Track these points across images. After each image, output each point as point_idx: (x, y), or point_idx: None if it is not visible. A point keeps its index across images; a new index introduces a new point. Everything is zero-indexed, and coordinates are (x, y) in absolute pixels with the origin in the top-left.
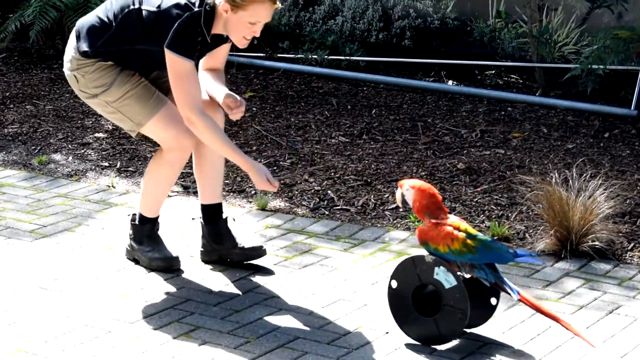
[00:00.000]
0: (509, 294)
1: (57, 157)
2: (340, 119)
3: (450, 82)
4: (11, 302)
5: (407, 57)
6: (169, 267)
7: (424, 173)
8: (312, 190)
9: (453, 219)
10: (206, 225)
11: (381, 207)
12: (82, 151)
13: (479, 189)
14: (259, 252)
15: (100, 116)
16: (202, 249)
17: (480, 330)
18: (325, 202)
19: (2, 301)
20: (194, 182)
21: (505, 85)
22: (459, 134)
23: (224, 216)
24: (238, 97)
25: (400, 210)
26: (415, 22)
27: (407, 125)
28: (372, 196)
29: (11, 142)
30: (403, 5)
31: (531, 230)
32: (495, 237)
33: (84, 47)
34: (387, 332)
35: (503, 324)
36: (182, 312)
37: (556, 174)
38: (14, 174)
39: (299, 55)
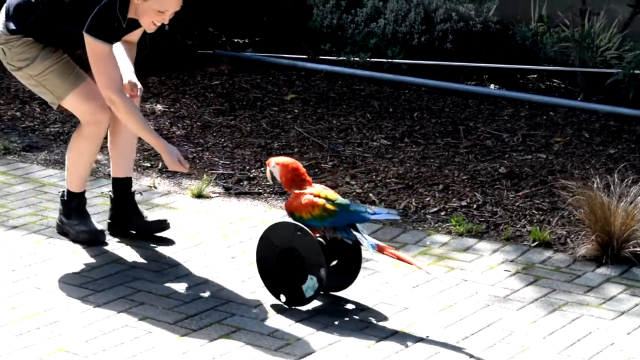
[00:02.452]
0: (371, 247)
1: (98, 156)
2: (382, 121)
3: (492, 86)
4: (52, 302)
5: (449, 60)
6: (94, 239)
7: (465, 177)
8: (354, 193)
9: (315, 188)
10: (115, 197)
11: (422, 211)
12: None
13: (520, 194)
14: (162, 224)
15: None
16: (109, 221)
17: (521, 335)
18: (367, 204)
19: (43, 301)
20: (236, 182)
21: (547, 90)
22: (501, 137)
23: (132, 190)
24: (138, 85)
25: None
26: (457, 25)
27: (449, 128)
28: (414, 199)
29: (53, 142)
30: (445, 9)
31: (572, 236)
32: (536, 242)
33: (12, 25)
34: (427, 336)
35: (543, 329)
36: (224, 313)
37: (598, 179)
38: (56, 173)
39: (341, 58)
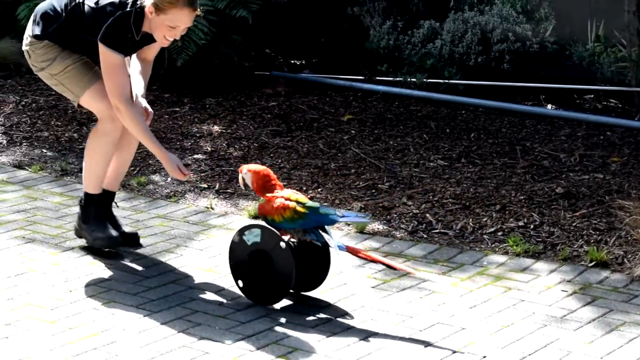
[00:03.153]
0: (338, 248)
1: (156, 178)
2: (439, 142)
3: (549, 106)
4: (109, 323)
5: (505, 80)
6: (110, 245)
7: (522, 197)
8: (411, 214)
9: (286, 192)
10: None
11: (479, 231)
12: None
13: (577, 214)
14: (132, 236)
15: (199, 138)
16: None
17: (579, 355)
18: (424, 225)
19: (100, 321)
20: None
21: (603, 110)
22: (558, 158)
23: (114, 202)
24: (149, 109)
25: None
26: (514, 45)
27: (506, 149)
28: (471, 220)
29: None
30: (502, 29)
31: (630, 256)
32: (594, 262)
33: (37, 31)
34: (484, 357)
35: (601, 349)
36: (280, 334)
37: None
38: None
39: (397, 79)
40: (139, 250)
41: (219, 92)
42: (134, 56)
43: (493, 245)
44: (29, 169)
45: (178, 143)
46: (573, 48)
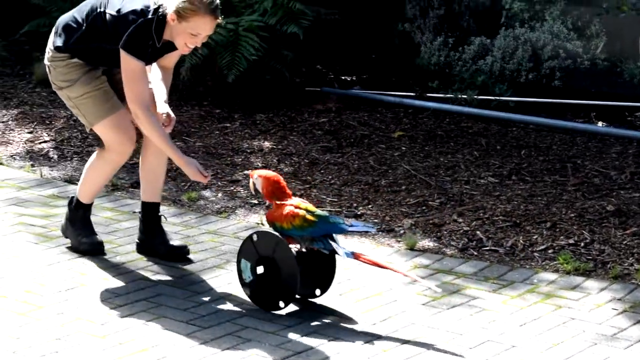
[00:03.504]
0: (345, 255)
1: (206, 193)
2: (489, 159)
3: (599, 124)
4: (159, 338)
5: (556, 97)
6: (94, 251)
7: (573, 215)
8: (461, 231)
9: (295, 200)
10: (143, 219)
11: (530, 249)
12: (232, 188)
13: (628, 231)
14: (182, 250)
15: (250, 153)
16: (137, 241)
17: (615, 359)
18: (474, 242)
19: (150, 337)
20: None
21: None
22: (609, 175)
23: (160, 214)
24: (172, 115)
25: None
26: (564, 62)
27: (557, 166)
28: (521, 237)
29: None
30: (553, 46)
31: None
32: None
33: (58, 42)
34: None
35: (638, 353)
36: (332, 350)
37: None
38: (164, 210)
39: (448, 95)
40: (189, 266)
41: (269, 108)
42: (154, 64)
43: (543, 262)
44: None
45: (229, 159)
46: (624, 65)
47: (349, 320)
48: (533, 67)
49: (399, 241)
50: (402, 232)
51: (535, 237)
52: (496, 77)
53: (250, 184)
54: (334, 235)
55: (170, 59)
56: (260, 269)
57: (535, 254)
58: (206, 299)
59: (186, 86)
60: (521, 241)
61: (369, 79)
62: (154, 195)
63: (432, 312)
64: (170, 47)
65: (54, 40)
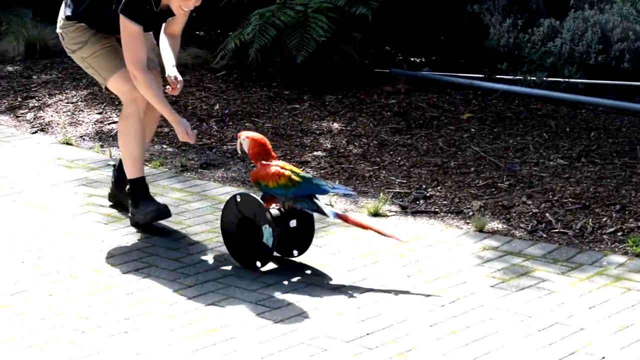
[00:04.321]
0: (327, 215)
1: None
2: (559, 141)
3: None
4: (229, 318)
5: (625, 79)
6: (161, 216)
7: None
8: (530, 213)
9: (280, 162)
10: (117, 173)
11: (599, 231)
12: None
13: None
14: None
15: (319, 135)
16: (109, 192)
17: None
18: (543, 224)
19: (219, 317)
20: (412, 201)
21: None
22: None
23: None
24: (179, 77)
25: (240, 155)
26: (634, 44)
27: (626, 148)
28: (590, 219)
29: (230, 159)
30: (622, 28)
31: None
32: None
33: (68, 12)
34: (603, 357)
35: None
36: (399, 331)
37: None
38: (233, 190)
39: (517, 77)
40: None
41: (338, 89)
42: (162, 32)
43: (612, 245)
44: (150, 165)
45: (298, 140)
46: None
47: (418, 302)
48: (602, 49)
49: (468, 223)
50: (471, 213)
51: (604, 219)
52: (565, 59)
53: (238, 145)
54: (317, 196)
55: (176, 26)
56: (242, 226)
57: (605, 236)
58: (275, 280)
59: (255, 67)
60: (590, 223)
61: (437, 61)
62: None
63: (501, 294)
64: (170, 13)
65: (64, 10)
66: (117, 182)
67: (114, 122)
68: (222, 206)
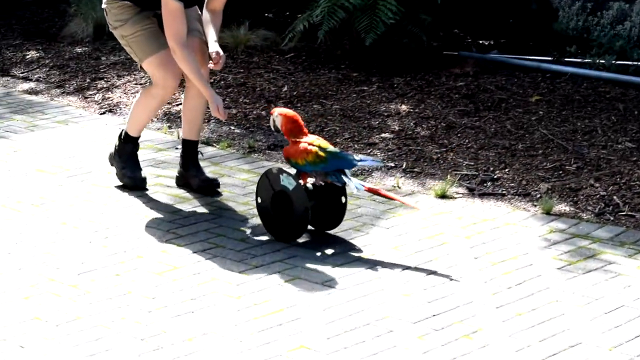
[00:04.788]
0: (356, 188)
1: None
2: (627, 124)
3: None
4: (294, 299)
5: None
6: (136, 186)
7: None
8: (598, 196)
9: (310, 138)
10: (183, 155)
11: None
12: (368, 151)
13: None
14: (213, 182)
15: (387, 117)
16: (177, 175)
17: None
18: (611, 207)
19: (285, 298)
20: (479, 183)
21: None
22: None
23: (198, 150)
24: (221, 53)
25: (274, 132)
26: None
27: None
28: None
29: None
30: None
31: None
32: None
33: None
34: None
35: None
36: (465, 313)
37: None
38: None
39: (586, 60)
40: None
41: (407, 72)
42: (204, 9)
43: None
44: (217, 146)
45: (365, 122)
46: None
47: (484, 284)
48: None
49: (535, 205)
50: (538, 196)
51: None
52: (634, 42)
53: (271, 121)
54: (346, 171)
55: (217, 2)
56: (274, 201)
57: None
58: (341, 261)
59: (324, 50)
60: None
61: (506, 44)
62: (192, 133)
63: (568, 276)
64: None
65: None
66: (185, 164)
67: (182, 104)
68: None
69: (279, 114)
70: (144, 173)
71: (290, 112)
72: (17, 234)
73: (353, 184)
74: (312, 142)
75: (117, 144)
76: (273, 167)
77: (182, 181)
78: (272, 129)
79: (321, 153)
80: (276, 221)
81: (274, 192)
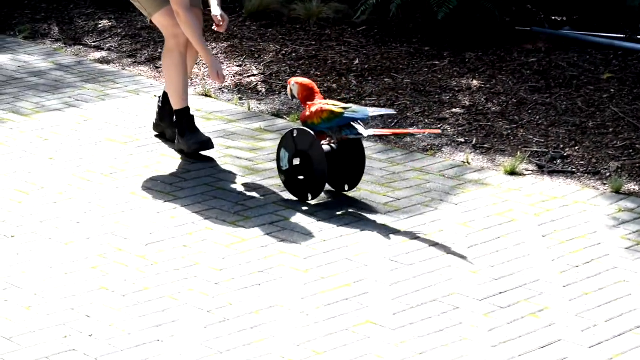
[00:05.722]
0: (364, 135)
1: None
2: None
3: None
4: (362, 274)
5: None
6: (203, 147)
7: None
8: None
9: (324, 100)
10: (162, 103)
11: None
12: (439, 126)
13: None
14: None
15: (458, 92)
16: (153, 122)
17: None
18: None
19: (353, 272)
20: (549, 160)
21: None
22: None
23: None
24: (225, 16)
25: (291, 100)
26: None
27: None
28: None
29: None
30: None
31: None
32: None
33: None
34: None
35: None
36: (532, 291)
37: None
38: (371, 145)
39: None
40: (394, 203)
41: (478, 47)
42: None
43: None
44: (287, 118)
45: (436, 97)
46: None
47: (551, 262)
48: None
49: (605, 184)
50: (608, 174)
51: None
52: None
53: (288, 90)
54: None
55: None
56: (296, 161)
57: None
58: (409, 237)
59: (396, 23)
60: None
61: (579, 20)
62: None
63: (636, 256)
64: None
65: None
66: (161, 113)
67: (254, 75)
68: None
69: (295, 82)
70: (206, 135)
71: (306, 80)
72: (87, 203)
73: (364, 131)
74: (326, 102)
75: (177, 129)
76: (294, 128)
77: (159, 130)
78: (290, 97)
79: (336, 110)
80: (297, 181)
81: (296, 151)
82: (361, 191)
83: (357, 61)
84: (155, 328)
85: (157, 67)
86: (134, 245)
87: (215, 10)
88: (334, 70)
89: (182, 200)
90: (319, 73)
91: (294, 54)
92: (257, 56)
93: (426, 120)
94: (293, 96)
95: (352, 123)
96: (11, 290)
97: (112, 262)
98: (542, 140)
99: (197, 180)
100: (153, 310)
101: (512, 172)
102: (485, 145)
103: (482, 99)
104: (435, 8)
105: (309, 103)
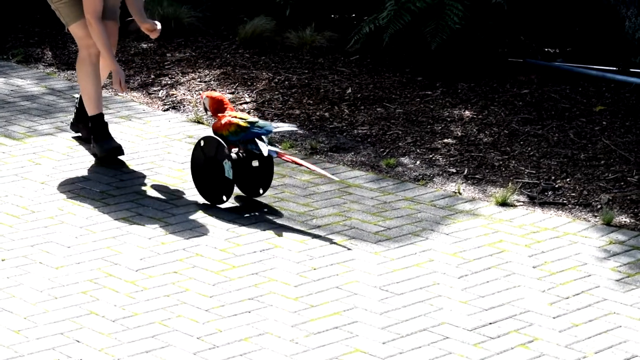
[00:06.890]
0: (268, 155)
1: (405, 160)
2: None
3: None
4: (352, 302)
5: None
6: (111, 154)
7: None
8: None
9: (233, 113)
10: (79, 106)
11: None
12: (430, 156)
13: None
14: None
15: (450, 122)
16: (71, 121)
17: None
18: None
19: (343, 300)
20: (540, 192)
21: None
22: None
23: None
24: (157, 24)
25: (205, 114)
26: None
27: None
28: None
29: (360, 144)
30: None
31: None
32: None
33: None
34: None
35: None
36: (522, 322)
37: None
38: (362, 175)
39: None
40: (384, 232)
41: (471, 77)
42: None
43: None
44: (280, 146)
45: (428, 126)
46: None
47: (541, 293)
48: None
49: (596, 216)
50: (599, 206)
51: None
52: None
53: (201, 104)
54: (264, 138)
55: None
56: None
57: None
58: (401, 265)
59: (388, 52)
60: None
61: (572, 52)
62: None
63: (626, 288)
64: None
65: None
66: (78, 114)
67: (246, 103)
68: (351, 190)
69: (206, 96)
70: (116, 142)
71: (216, 93)
72: (78, 227)
73: (267, 149)
74: (235, 115)
75: (92, 135)
76: (207, 136)
77: (75, 129)
78: (203, 110)
79: (242, 123)
80: (208, 185)
81: (206, 158)
82: (352, 220)
83: (349, 90)
84: (145, 354)
85: (149, 93)
86: (125, 270)
87: (144, 22)
88: (326, 99)
89: (173, 227)
90: (311, 101)
91: (286, 82)
92: (249, 84)
93: (418, 150)
94: (206, 109)
95: (256, 139)
96: (1, 314)
97: (102, 287)
98: (534, 172)
99: (188, 207)
100: (143, 336)
101: (504, 203)
102: (477, 176)
103: (474, 130)
104: (428, 38)
105: (219, 115)
